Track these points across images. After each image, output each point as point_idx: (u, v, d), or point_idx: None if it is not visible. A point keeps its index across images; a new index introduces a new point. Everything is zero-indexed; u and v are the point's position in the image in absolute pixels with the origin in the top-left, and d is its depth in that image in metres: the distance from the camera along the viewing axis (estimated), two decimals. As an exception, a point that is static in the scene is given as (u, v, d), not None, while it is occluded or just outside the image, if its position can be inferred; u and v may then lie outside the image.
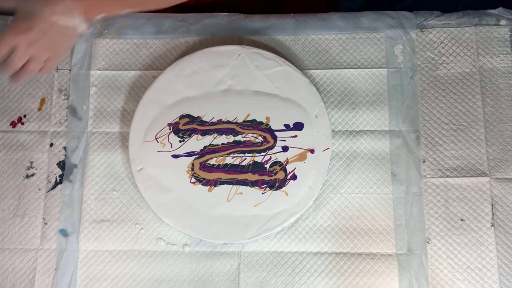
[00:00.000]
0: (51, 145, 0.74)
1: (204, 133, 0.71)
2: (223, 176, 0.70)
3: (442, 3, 0.80)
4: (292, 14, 0.78)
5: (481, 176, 0.70)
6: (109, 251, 0.70)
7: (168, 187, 0.69)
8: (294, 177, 0.69)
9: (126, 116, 0.75)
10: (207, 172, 0.70)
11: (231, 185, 0.69)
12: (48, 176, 0.73)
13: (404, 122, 0.72)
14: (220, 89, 0.73)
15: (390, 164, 0.71)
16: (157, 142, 0.71)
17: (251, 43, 0.76)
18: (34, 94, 0.77)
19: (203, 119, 0.72)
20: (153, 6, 0.67)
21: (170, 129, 0.72)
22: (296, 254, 0.69)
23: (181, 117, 0.72)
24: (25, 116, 0.76)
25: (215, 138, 0.71)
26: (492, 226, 0.68)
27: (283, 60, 0.73)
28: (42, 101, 0.76)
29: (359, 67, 0.75)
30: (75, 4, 0.59)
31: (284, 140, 0.70)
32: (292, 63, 0.74)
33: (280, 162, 0.70)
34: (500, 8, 0.76)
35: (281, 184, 0.69)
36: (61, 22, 0.58)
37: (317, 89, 0.72)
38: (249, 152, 0.70)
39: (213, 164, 0.70)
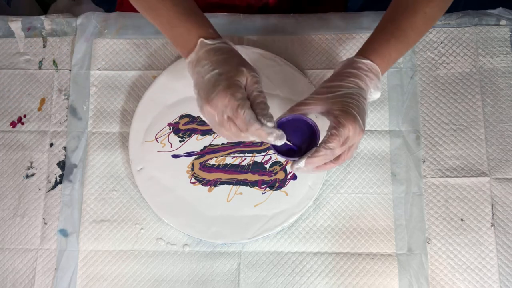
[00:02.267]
0: (51, 145, 0.74)
1: (204, 133, 0.71)
2: (223, 176, 0.70)
3: (442, 3, 0.80)
4: (292, 14, 0.78)
5: (481, 176, 0.70)
6: (109, 251, 0.70)
7: (168, 187, 0.69)
8: (294, 177, 0.69)
9: (126, 116, 0.75)
10: (207, 172, 0.70)
11: (231, 185, 0.69)
12: (48, 176, 0.73)
13: (404, 122, 0.72)
14: (220, 89, 0.73)
15: (390, 164, 0.71)
16: (157, 142, 0.71)
17: (251, 43, 0.76)
18: (34, 94, 0.77)
19: (203, 119, 0.72)
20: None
21: (170, 129, 0.72)
22: (296, 254, 0.69)
23: (181, 117, 0.72)
24: (25, 116, 0.76)
25: (215, 138, 0.71)
26: (492, 226, 0.68)
27: (283, 60, 0.73)
28: (42, 101, 0.76)
29: (359, 67, 0.74)
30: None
31: (284, 140, 0.70)
32: (292, 63, 0.74)
33: (280, 162, 0.70)
34: (500, 8, 0.76)
35: (281, 184, 0.69)
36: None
37: (317, 89, 0.72)
38: (249, 152, 0.70)
39: (213, 164, 0.70)
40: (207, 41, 0.55)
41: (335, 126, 0.54)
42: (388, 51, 0.59)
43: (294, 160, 0.56)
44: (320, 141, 0.55)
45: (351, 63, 0.58)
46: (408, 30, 0.59)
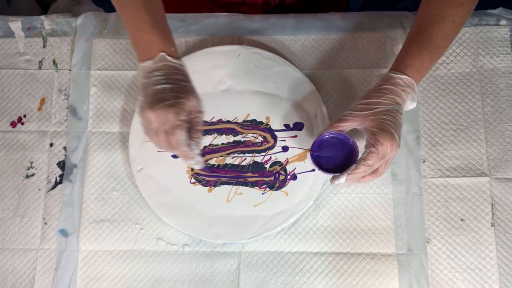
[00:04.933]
0: (51, 145, 0.74)
1: (204, 133, 0.71)
2: (223, 176, 0.70)
3: (442, 3, 0.80)
4: (292, 14, 0.78)
5: (481, 176, 0.70)
6: (109, 251, 0.70)
7: (168, 187, 0.69)
8: (294, 177, 0.69)
9: (126, 116, 0.75)
10: (207, 172, 0.70)
11: (231, 186, 0.69)
12: (48, 176, 0.73)
13: (404, 122, 0.72)
14: (220, 89, 0.73)
15: (390, 164, 0.71)
16: (157, 142, 0.71)
17: (251, 43, 0.76)
18: (34, 94, 0.77)
19: (203, 119, 0.72)
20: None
21: (170, 129, 0.72)
22: (296, 254, 0.69)
23: (181, 117, 0.72)
24: (25, 116, 0.76)
25: (215, 138, 0.71)
26: (492, 226, 0.68)
27: (283, 60, 0.73)
28: (42, 101, 0.76)
29: (359, 67, 0.74)
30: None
31: (284, 140, 0.71)
32: (292, 63, 0.74)
33: (280, 162, 0.70)
34: (500, 8, 0.76)
35: (281, 184, 0.69)
36: None
37: (317, 89, 0.72)
38: (249, 152, 0.70)
39: (213, 164, 0.70)
40: (169, 58, 0.58)
41: (373, 144, 0.56)
42: (422, 63, 0.60)
43: (334, 176, 0.59)
44: (358, 157, 0.58)
45: (388, 79, 0.60)
46: (439, 40, 0.60)
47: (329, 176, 0.61)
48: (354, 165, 0.57)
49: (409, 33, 0.64)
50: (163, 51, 0.57)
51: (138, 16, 0.58)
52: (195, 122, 0.58)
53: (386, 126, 0.56)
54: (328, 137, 0.62)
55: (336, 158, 0.62)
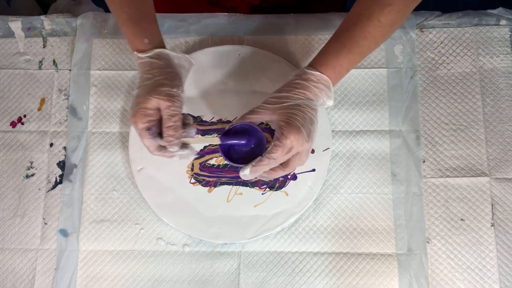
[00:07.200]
0: (51, 145, 0.74)
1: (204, 133, 0.71)
2: (223, 176, 0.70)
3: (442, 3, 0.81)
4: (292, 14, 0.78)
5: (481, 176, 0.70)
6: (109, 251, 0.70)
7: (168, 187, 0.69)
8: (294, 177, 0.69)
9: (126, 116, 0.75)
10: (207, 172, 0.70)
11: (231, 186, 0.69)
12: (48, 176, 0.73)
13: (404, 122, 0.72)
14: (220, 89, 0.73)
15: (390, 164, 0.71)
16: (157, 142, 0.71)
17: (251, 43, 0.76)
18: (34, 94, 0.77)
19: (203, 119, 0.72)
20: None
21: (170, 129, 0.72)
22: (296, 254, 0.69)
23: (181, 117, 0.72)
24: (25, 116, 0.76)
25: (215, 138, 0.71)
26: (492, 226, 0.68)
27: (283, 60, 0.73)
28: (42, 101, 0.76)
29: (359, 67, 0.74)
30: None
31: (284, 140, 0.70)
32: (292, 63, 0.74)
33: (280, 162, 0.70)
34: (500, 8, 0.76)
35: (281, 184, 0.69)
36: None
37: (317, 89, 0.72)
38: (249, 152, 0.70)
39: (213, 164, 0.70)
40: (139, 55, 0.59)
41: (278, 137, 0.55)
42: (339, 62, 0.59)
43: (240, 167, 0.58)
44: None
45: (301, 74, 0.59)
46: (360, 40, 0.58)
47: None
48: (259, 158, 0.56)
49: (334, 33, 0.62)
50: (135, 49, 0.59)
51: (117, 15, 0.60)
52: (164, 119, 0.58)
53: (292, 120, 0.55)
54: (238, 128, 0.60)
55: (244, 149, 0.61)
